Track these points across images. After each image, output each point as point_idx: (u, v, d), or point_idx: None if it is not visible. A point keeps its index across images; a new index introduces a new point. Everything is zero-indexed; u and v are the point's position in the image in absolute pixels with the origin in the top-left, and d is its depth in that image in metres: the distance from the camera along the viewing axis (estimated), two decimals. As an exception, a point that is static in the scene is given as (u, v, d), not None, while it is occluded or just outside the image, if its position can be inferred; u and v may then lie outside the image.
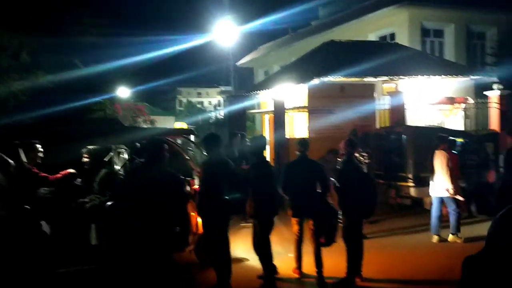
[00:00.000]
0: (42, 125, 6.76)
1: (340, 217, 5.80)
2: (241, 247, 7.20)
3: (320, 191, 5.86)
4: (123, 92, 23.55)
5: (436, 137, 8.01)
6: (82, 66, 15.77)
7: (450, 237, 7.59)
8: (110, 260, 5.36)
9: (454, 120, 13.40)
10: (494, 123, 12.74)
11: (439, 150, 7.65)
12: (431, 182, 7.74)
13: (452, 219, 7.59)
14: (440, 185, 7.53)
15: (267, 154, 10.60)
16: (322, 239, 5.78)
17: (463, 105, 13.45)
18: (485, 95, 13.21)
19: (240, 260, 6.73)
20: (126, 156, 6.42)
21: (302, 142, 6.15)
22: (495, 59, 17.62)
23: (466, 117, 13.69)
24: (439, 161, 7.52)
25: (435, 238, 7.64)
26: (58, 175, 5.75)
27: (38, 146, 5.65)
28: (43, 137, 5.59)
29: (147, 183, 4.47)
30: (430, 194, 7.82)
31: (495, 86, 12.99)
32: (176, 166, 6.57)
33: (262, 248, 5.73)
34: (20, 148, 5.55)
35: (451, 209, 7.59)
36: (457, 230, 7.58)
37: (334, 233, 5.80)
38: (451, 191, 7.42)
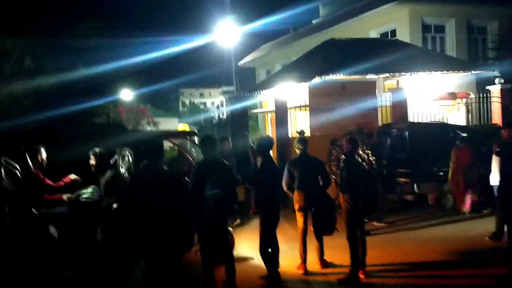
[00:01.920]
0: (45, 130, 6.82)
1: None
2: (247, 246, 7.27)
3: (321, 184, 6.20)
4: (126, 94, 23.64)
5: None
6: (84, 70, 15.82)
7: None
8: (117, 261, 5.44)
9: (457, 115, 13.42)
10: (496, 117, 12.75)
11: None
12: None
13: None
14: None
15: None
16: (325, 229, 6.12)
17: (465, 100, 13.47)
18: (487, 89, 13.21)
19: (245, 259, 6.78)
20: (130, 159, 6.49)
21: (302, 140, 6.46)
22: (497, 54, 17.59)
23: (468, 112, 13.70)
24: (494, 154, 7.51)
25: None
26: (61, 183, 5.83)
27: (43, 150, 5.74)
28: (47, 141, 5.66)
29: (148, 185, 4.54)
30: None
31: (496, 80, 13.00)
32: (180, 167, 6.66)
33: (269, 246, 5.78)
34: (27, 154, 5.63)
35: None
36: None
37: (334, 223, 6.11)
38: None
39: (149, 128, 22.27)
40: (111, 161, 6.09)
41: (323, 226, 6.08)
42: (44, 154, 5.75)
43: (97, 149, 5.75)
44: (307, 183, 6.11)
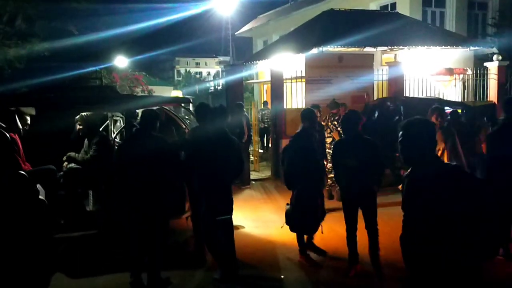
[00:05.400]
0: (37, 93, 6.72)
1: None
2: (238, 215, 7.30)
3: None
4: (121, 61, 23.26)
5: None
6: (78, 34, 15.52)
7: None
8: (108, 225, 5.45)
9: (453, 91, 13.37)
10: (492, 94, 12.72)
11: None
12: None
13: None
14: None
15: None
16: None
17: (461, 76, 13.39)
18: (484, 66, 13.13)
19: (235, 227, 6.82)
20: (122, 124, 6.42)
21: (304, 114, 5.65)
22: (496, 30, 17.41)
23: (465, 88, 13.64)
24: None
25: None
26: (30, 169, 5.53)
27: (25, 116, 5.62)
28: (37, 104, 5.56)
29: (140, 150, 4.52)
30: None
31: (494, 57, 12.90)
32: (172, 134, 6.62)
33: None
34: (17, 115, 5.54)
35: None
36: None
37: (313, 224, 5.40)
38: None
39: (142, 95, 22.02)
40: (101, 128, 5.99)
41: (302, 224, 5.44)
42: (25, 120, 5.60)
43: (84, 114, 5.61)
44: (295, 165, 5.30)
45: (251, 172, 10.88)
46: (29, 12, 13.47)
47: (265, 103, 15.41)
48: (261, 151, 13.81)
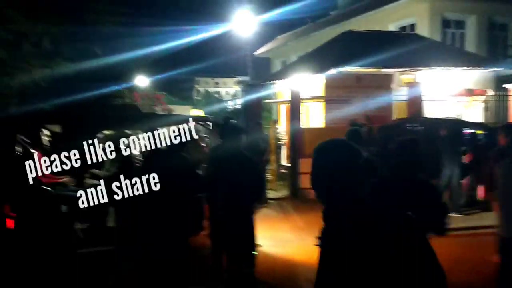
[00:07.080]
0: (62, 111, 6.91)
1: None
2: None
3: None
4: (142, 81, 23.73)
5: None
6: (102, 55, 15.92)
7: None
8: (127, 242, 5.51)
9: (473, 112, 13.25)
10: (514, 116, 12.58)
11: None
12: None
13: None
14: None
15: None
16: None
17: (482, 97, 13.28)
18: (504, 87, 13.02)
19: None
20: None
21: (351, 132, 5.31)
22: (517, 52, 17.30)
23: (486, 109, 13.51)
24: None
25: None
26: (53, 181, 5.70)
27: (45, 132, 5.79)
28: (62, 121, 5.72)
29: (164, 168, 4.58)
30: None
31: (515, 78, 12.80)
32: (191, 152, 6.70)
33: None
34: (42, 133, 5.72)
35: None
36: None
37: None
38: None
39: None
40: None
41: None
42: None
43: (105, 133, 5.73)
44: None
45: (268, 191, 10.88)
46: (56, 33, 13.90)
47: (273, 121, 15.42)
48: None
